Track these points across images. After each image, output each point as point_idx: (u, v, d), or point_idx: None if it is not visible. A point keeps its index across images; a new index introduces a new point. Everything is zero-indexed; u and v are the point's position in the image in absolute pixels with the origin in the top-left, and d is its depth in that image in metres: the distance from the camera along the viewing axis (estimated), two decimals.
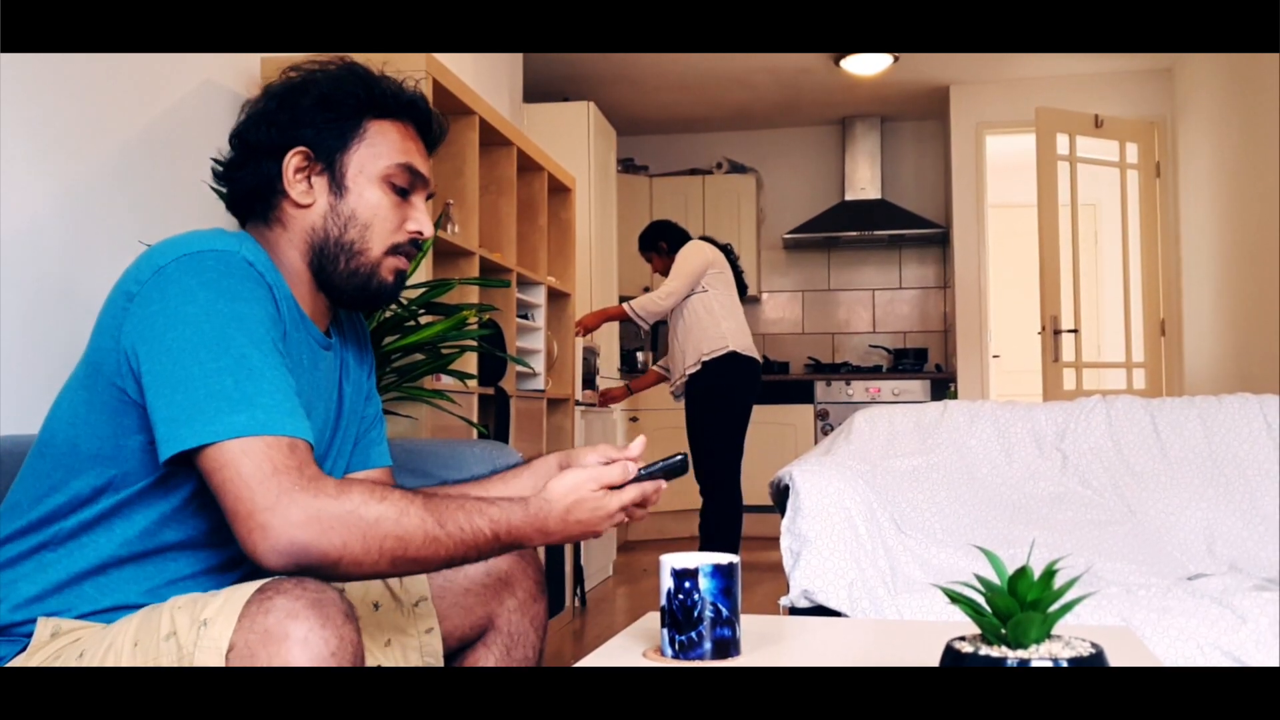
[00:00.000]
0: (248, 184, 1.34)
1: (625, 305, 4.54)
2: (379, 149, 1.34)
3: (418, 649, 1.49)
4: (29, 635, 1.21)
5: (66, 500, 1.23)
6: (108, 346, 1.21)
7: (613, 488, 1.29)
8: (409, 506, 1.15)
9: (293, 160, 1.32)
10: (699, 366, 4.42)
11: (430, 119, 1.42)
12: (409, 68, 2.57)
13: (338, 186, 1.33)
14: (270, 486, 1.10)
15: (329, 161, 1.33)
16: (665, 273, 4.70)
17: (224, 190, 1.39)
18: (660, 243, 4.72)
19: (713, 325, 4.42)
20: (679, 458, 1.35)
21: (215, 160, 1.39)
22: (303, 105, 1.32)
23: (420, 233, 1.38)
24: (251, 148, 1.33)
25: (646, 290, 6.90)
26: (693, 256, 4.48)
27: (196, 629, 1.05)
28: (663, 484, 1.34)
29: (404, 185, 1.36)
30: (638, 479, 1.31)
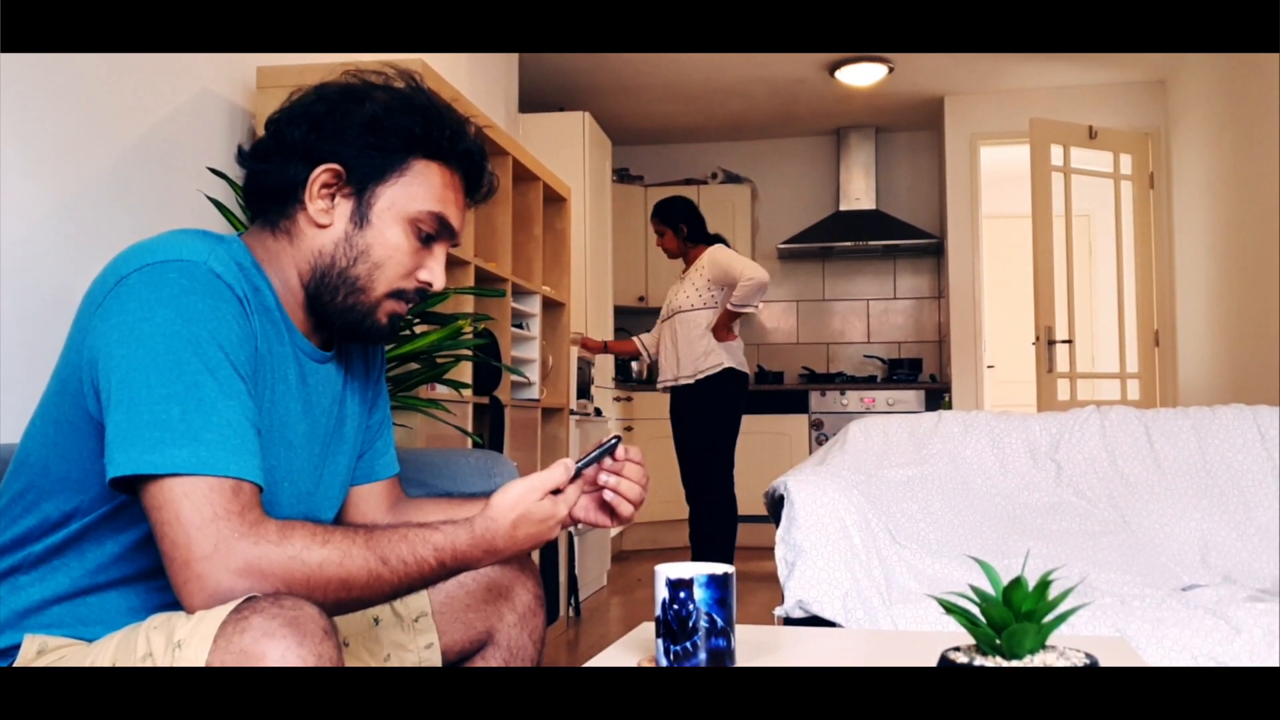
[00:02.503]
0: (268, 181, 1.27)
1: (730, 307, 4.43)
2: (416, 190, 1.28)
3: (417, 664, 1.48)
4: (11, 654, 1.19)
5: (37, 523, 1.19)
6: (73, 361, 1.17)
7: (557, 492, 1.26)
8: (351, 547, 1.12)
9: (322, 175, 1.25)
10: (692, 381, 4.47)
11: (481, 174, 1.35)
12: None
13: (361, 217, 1.27)
14: (209, 533, 1.06)
15: (360, 188, 1.26)
16: (675, 253, 4.68)
17: (242, 180, 1.32)
18: (683, 225, 4.66)
19: (710, 340, 4.47)
20: (613, 440, 1.34)
21: (254, 149, 1.30)
22: (351, 120, 1.25)
23: (430, 284, 1.31)
24: (286, 144, 1.26)
25: (641, 300, 6.93)
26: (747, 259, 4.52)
27: (171, 651, 1.03)
28: (638, 471, 1.34)
29: (430, 232, 1.29)
30: (577, 473, 1.30)
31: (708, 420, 4.48)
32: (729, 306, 4.45)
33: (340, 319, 1.30)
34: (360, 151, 1.25)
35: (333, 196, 1.27)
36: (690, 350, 4.51)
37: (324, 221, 1.27)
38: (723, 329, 4.49)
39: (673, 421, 4.64)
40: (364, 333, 1.31)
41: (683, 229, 4.66)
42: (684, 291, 4.62)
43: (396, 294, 1.30)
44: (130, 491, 1.11)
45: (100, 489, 1.15)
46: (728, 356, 4.47)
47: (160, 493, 1.07)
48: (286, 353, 1.28)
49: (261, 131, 1.33)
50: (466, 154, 1.32)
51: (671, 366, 4.61)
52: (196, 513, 1.06)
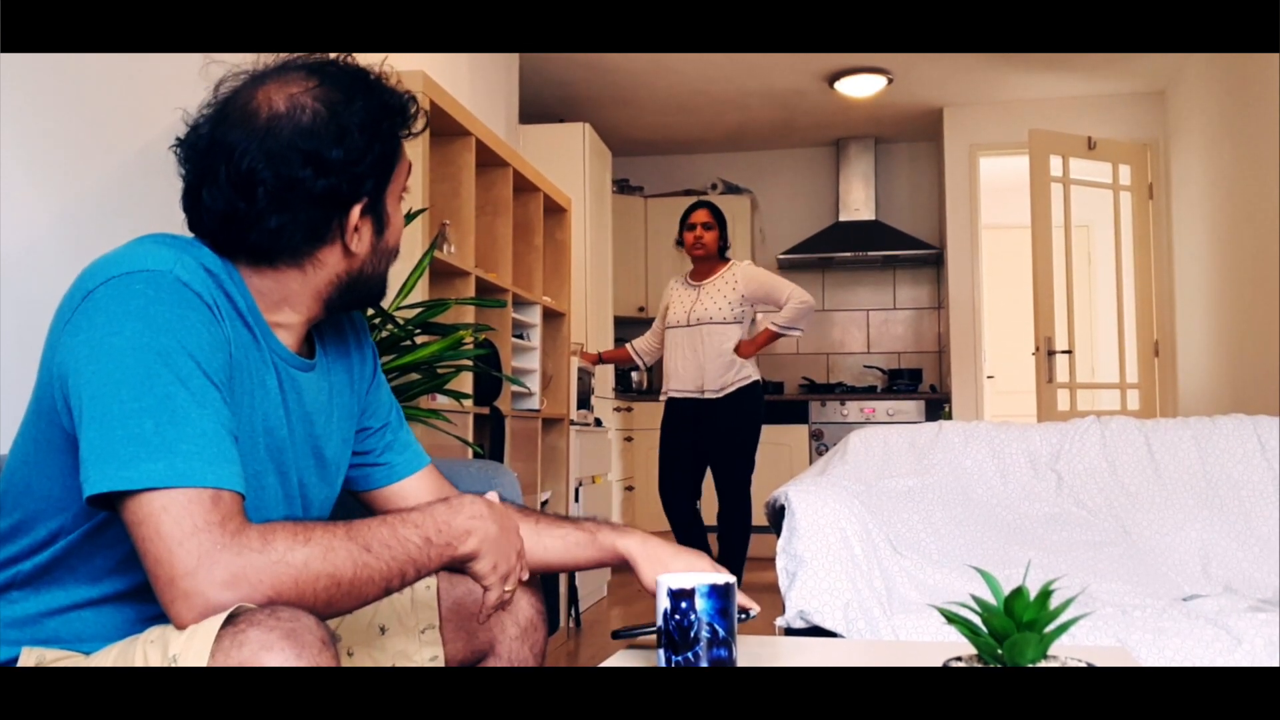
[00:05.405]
0: (289, 241, 1.23)
1: (771, 327, 4.48)
2: (400, 166, 1.30)
3: None
4: (10, 666, 1.18)
5: (28, 543, 1.19)
6: (45, 379, 1.16)
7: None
8: (333, 540, 1.09)
9: (356, 212, 1.24)
10: (719, 395, 4.44)
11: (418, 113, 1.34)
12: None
13: (380, 224, 1.28)
14: (191, 548, 1.03)
15: (374, 201, 1.26)
16: (709, 253, 4.64)
17: (225, 224, 1.22)
18: (728, 234, 4.77)
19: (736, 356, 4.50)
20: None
21: (236, 200, 1.20)
22: (356, 147, 1.21)
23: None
24: (299, 195, 1.20)
25: (641, 310, 6.93)
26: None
27: (168, 665, 1.02)
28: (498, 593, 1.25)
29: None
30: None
31: (735, 433, 4.49)
32: (772, 327, 4.46)
33: (365, 305, 1.36)
34: (377, 176, 1.25)
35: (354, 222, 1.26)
36: (717, 363, 4.48)
37: (360, 250, 1.27)
38: (756, 347, 4.51)
39: (675, 432, 4.60)
40: (376, 300, 1.36)
41: (726, 237, 4.74)
42: (713, 302, 4.54)
43: None
44: (110, 508, 1.09)
45: (83, 506, 1.13)
46: (755, 370, 4.54)
47: (139, 508, 1.05)
48: (264, 356, 1.26)
49: None
50: (418, 113, 1.32)
51: (693, 377, 4.54)
52: (177, 526, 1.04)
